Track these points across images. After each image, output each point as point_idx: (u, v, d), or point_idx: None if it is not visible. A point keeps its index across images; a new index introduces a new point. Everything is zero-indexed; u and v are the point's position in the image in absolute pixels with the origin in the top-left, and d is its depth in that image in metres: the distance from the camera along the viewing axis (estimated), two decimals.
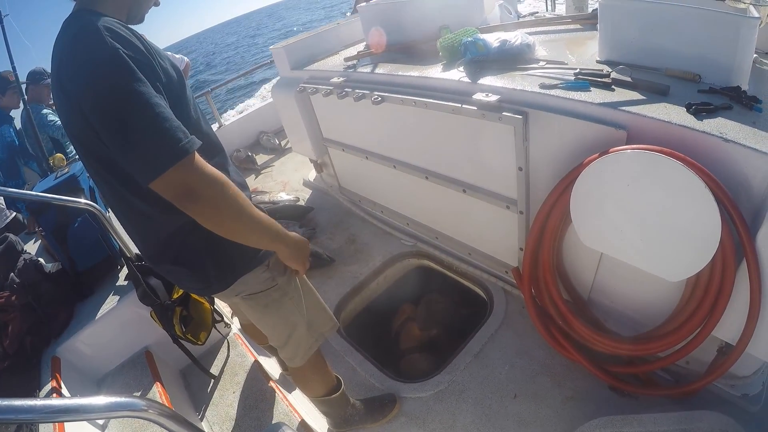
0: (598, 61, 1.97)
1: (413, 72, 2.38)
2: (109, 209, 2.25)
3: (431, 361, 2.58)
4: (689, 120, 1.47)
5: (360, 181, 3.40)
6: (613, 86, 1.73)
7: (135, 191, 1.24)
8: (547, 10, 3.08)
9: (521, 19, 2.90)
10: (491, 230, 2.42)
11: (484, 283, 2.65)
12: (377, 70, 2.60)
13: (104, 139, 1.09)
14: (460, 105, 2.03)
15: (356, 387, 2.30)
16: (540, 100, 1.81)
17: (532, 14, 3.05)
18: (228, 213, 1.17)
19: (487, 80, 2.01)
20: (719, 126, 1.43)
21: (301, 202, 3.97)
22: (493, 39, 2.15)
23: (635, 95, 1.65)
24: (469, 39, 2.18)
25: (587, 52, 2.10)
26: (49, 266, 2.57)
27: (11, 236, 2.60)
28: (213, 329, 2.32)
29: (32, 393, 2.07)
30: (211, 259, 1.40)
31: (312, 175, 4.13)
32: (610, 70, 1.81)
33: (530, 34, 2.28)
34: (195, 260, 1.40)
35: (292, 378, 2.03)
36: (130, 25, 1.19)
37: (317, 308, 1.76)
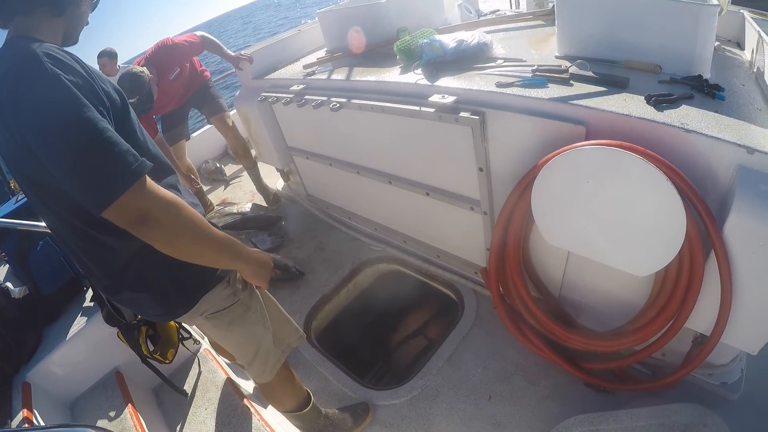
0: (557, 57, 1.88)
1: (371, 76, 2.25)
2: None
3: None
4: (649, 112, 1.39)
5: (326, 189, 3.26)
6: (571, 81, 1.65)
7: (90, 222, 1.14)
8: (511, 8, 2.95)
9: (482, 18, 2.78)
10: (457, 232, 2.30)
11: (454, 285, 2.53)
12: (336, 76, 2.46)
13: (52, 170, 0.99)
14: (417, 108, 1.91)
15: (329, 396, 2.17)
16: (497, 100, 1.70)
17: (493, 12, 2.91)
18: (185, 235, 1.08)
19: (443, 81, 1.90)
20: (680, 116, 1.34)
21: (270, 212, 3.81)
22: (449, 39, 2.03)
23: (594, 89, 1.56)
24: (425, 41, 2.06)
25: (548, 48, 2.01)
26: (16, 291, 2.40)
27: None
28: (182, 346, 2.18)
29: (4, 422, 1.92)
30: (171, 280, 1.29)
31: (280, 183, 3.99)
32: (569, 65, 1.72)
33: (490, 32, 2.18)
34: (154, 283, 1.29)
35: (262, 393, 1.92)
36: (66, 48, 1.09)
37: (281, 320, 1.68)
